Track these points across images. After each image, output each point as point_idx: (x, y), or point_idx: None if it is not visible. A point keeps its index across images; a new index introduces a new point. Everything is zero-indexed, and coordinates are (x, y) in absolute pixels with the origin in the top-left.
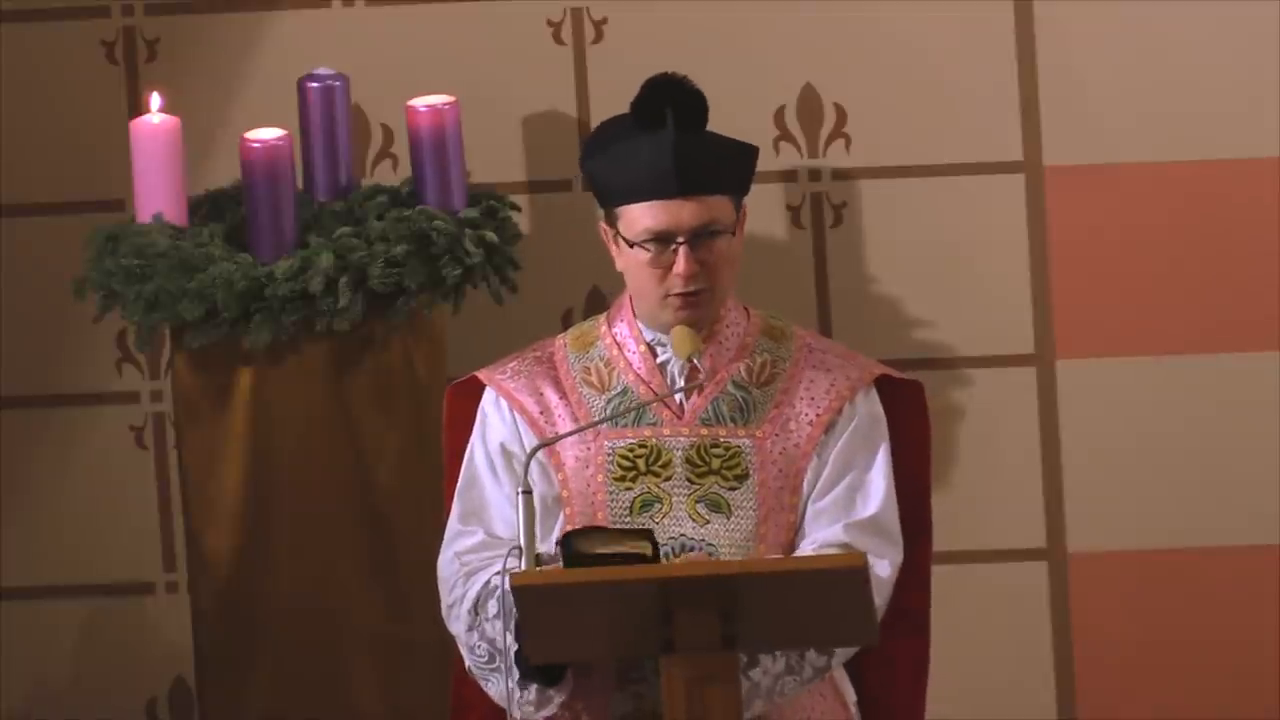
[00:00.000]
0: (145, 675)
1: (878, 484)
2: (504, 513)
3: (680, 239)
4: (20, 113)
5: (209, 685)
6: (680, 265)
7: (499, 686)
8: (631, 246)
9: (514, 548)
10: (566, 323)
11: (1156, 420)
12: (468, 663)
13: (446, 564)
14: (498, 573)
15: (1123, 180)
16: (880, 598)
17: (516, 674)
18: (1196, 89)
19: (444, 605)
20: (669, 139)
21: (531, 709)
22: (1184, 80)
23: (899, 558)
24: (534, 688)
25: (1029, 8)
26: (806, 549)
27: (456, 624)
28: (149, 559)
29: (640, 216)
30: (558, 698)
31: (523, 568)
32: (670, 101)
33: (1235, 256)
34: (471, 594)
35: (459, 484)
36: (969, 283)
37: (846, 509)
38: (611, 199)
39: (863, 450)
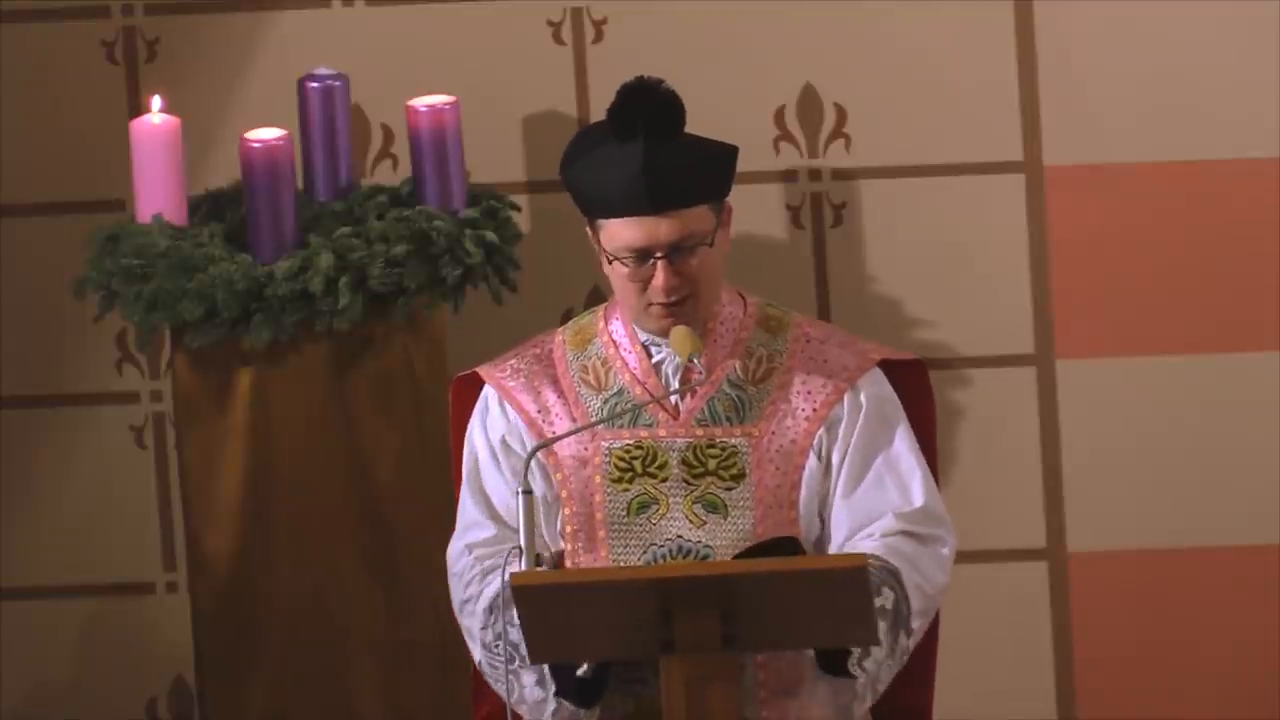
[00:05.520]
0: (145, 675)
1: (912, 470)
2: (505, 501)
3: (658, 254)
4: (20, 113)
5: (209, 685)
6: (659, 279)
7: (518, 687)
8: (610, 263)
9: (514, 547)
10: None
11: (1156, 420)
12: (479, 658)
13: (459, 555)
14: (514, 573)
15: (1123, 180)
16: (945, 575)
17: (553, 687)
18: (1197, 89)
19: (457, 599)
20: (640, 152)
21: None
22: (1184, 80)
23: (953, 537)
24: (563, 705)
25: (1029, 8)
26: (863, 543)
27: (470, 620)
28: (149, 559)
29: (617, 232)
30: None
31: (523, 568)
32: (643, 110)
33: (1235, 256)
34: (489, 592)
35: (464, 474)
36: (969, 283)
37: (882, 498)
38: (589, 211)
39: (882, 435)
